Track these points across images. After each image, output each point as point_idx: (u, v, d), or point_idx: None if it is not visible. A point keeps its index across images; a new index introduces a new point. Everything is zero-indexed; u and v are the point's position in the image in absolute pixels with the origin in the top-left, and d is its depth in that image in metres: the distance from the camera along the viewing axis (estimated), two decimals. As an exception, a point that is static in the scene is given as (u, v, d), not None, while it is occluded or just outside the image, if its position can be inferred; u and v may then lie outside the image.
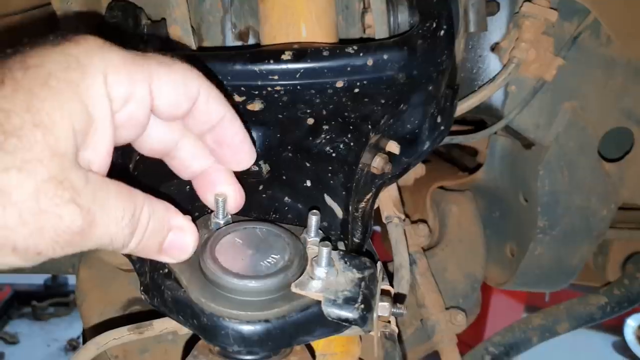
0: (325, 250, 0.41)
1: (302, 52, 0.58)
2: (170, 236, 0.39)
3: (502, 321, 1.44)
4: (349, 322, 0.40)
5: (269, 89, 0.58)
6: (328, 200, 0.50)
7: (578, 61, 0.78)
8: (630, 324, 3.21)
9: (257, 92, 0.57)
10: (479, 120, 0.91)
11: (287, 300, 0.40)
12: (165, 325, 0.52)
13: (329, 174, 0.52)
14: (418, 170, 0.92)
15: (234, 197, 0.46)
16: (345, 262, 0.43)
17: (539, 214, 0.84)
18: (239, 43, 0.71)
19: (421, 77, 0.61)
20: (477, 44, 0.78)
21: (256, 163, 0.54)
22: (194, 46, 0.65)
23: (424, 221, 0.87)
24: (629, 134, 0.83)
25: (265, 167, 0.53)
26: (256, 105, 0.57)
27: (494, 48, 0.78)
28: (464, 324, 0.79)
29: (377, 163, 0.61)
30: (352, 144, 0.55)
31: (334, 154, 0.54)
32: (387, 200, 0.67)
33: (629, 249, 0.94)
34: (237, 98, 0.57)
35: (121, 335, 0.51)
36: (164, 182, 0.51)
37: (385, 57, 0.59)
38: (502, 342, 0.85)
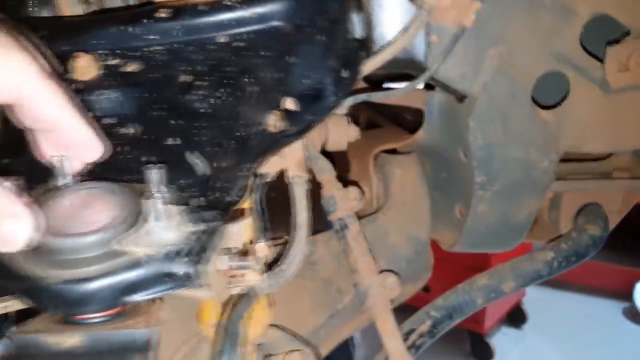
0: (150, 203, 0.38)
1: (179, 8, 0.56)
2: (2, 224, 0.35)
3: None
4: (174, 277, 0.37)
5: (148, 49, 0.55)
6: (191, 157, 0.48)
7: (500, 3, 0.73)
8: (641, 288, 3.13)
9: (135, 54, 0.55)
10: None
11: (110, 258, 0.37)
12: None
13: (198, 131, 0.50)
14: (351, 133, 0.88)
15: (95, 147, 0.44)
16: (185, 217, 0.40)
17: (475, 169, 0.80)
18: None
19: (310, 27, 0.58)
20: (393, -6, 0.74)
21: (126, 125, 0.52)
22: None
23: (356, 184, 0.83)
24: (564, 79, 0.78)
25: (136, 129, 0.51)
26: (133, 67, 0.54)
27: (411, -4, 0.74)
28: (397, 287, 0.76)
29: (271, 120, 0.58)
30: (226, 98, 0.52)
31: (206, 110, 0.51)
32: (292, 160, 0.64)
33: (581, 200, 0.90)
34: (114, 61, 0.55)
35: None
36: (22, 154, 0.49)
37: (267, 7, 0.56)
38: (445, 305, 0.82)
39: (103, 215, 0.40)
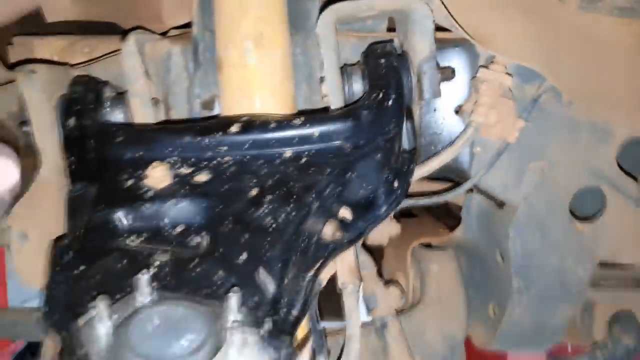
0: (230, 334, 0.41)
1: (250, 123, 0.61)
2: None
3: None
4: None
5: (218, 159, 0.60)
6: (262, 275, 0.51)
7: (542, 122, 0.78)
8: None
9: (206, 164, 0.60)
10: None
11: None
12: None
13: (266, 247, 0.53)
14: (392, 229, 0.92)
15: None
16: (263, 342, 0.43)
17: (513, 275, 0.83)
18: (205, 112, 0.74)
19: (368, 146, 0.63)
20: (441, 107, 0.80)
21: (199, 234, 0.56)
22: (152, 119, 0.68)
23: (397, 282, 0.86)
24: (601, 193, 0.82)
25: (206, 239, 0.54)
26: (203, 177, 0.59)
27: (458, 111, 0.79)
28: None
29: (327, 230, 0.61)
30: (292, 214, 0.56)
31: (273, 226, 0.55)
32: (343, 266, 0.67)
33: (614, 307, 0.91)
34: (185, 170, 0.60)
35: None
36: (99, 258, 0.53)
37: (331, 128, 0.61)
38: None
39: (187, 338, 0.42)
